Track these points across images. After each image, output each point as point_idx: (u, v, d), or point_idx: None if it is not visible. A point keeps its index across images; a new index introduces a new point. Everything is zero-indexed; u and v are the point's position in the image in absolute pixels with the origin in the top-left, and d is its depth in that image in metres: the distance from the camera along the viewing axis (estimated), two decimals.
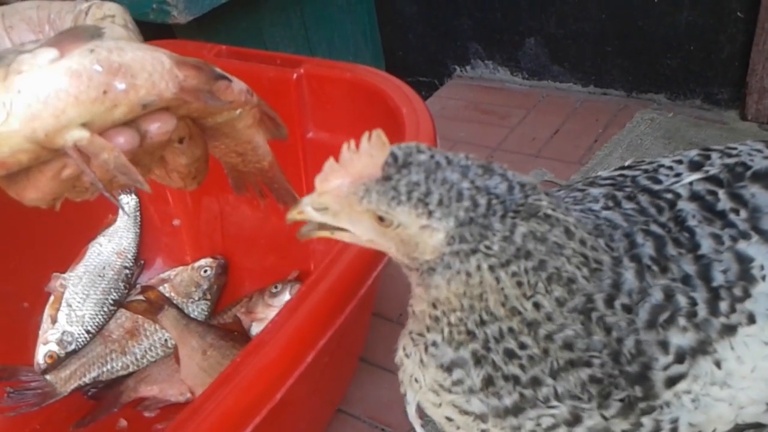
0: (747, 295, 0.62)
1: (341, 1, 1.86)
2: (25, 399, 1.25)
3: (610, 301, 0.61)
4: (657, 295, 0.61)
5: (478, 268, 0.57)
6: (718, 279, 0.62)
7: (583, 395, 0.60)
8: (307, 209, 0.60)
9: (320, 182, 0.59)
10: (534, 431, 0.62)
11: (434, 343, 0.63)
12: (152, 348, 1.33)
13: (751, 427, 0.65)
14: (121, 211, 1.42)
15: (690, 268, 0.62)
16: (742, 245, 0.63)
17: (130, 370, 1.31)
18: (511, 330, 0.59)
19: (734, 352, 0.62)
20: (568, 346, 0.60)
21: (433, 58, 2.22)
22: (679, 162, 0.71)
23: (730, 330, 0.62)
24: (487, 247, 0.57)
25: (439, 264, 0.58)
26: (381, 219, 0.58)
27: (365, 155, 0.57)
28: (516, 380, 0.61)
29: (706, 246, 0.63)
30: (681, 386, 0.61)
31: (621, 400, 0.61)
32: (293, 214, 0.61)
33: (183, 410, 0.69)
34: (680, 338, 0.61)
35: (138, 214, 1.44)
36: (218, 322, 1.33)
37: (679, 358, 0.61)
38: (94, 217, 1.41)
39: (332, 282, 0.79)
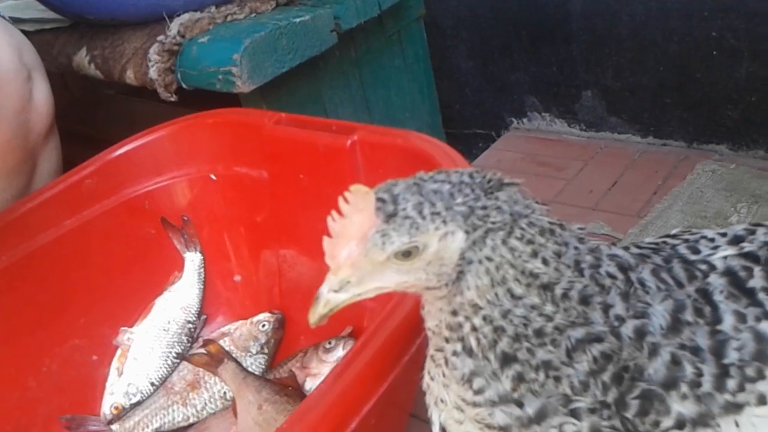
0: (761, 376, 0.61)
1: (398, 61, 1.92)
2: None
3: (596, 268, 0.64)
4: (665, 357, 0.62)
5: (494, 248, 0.60)
6: (731, 356, 0.62)
7: (597, 382, 0.61)
8: (330, 296, 0.62)
9: (330, 260, 0.61)
10: None
11: (454, 353, 0.65)
12: (212, 400, 1.37)
13: None
14: (186, 268, 1.49)
15: (704, 341, 0.62)
16: (764, 326, 0.63)
17: (191, 421, 1.36)
18: (534, 306, 0.61)
19: (739, 430, 0.61)
20: (584, 300, 0.62)
21: (489, 111, 2.25)
22: (723, 235, 0.71)
23: (735, 408, 0.61)
24: (493, 223, 0.61)
25: (463, 264, 0.61)
26: (407, 255, 0.60)
27: (355, 213, 0.59)
28: (547, 366, 0.62)
29: (728, 323, 0.63)
30: None
31: (637, 398, 0.61)
32: (316, 315, 0.63)
33: None
34: (679, 405, 0.61)
35: (202, 270, 1.50)
36: (274, 376, 1.37)
37: (679, 425, 0.61)
38: (161, 274, 1.49)
39: (379, 346, 0.82)
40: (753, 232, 0.71)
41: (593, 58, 1.92)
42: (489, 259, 0.60)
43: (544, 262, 0.61)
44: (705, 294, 0.65)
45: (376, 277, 0.61)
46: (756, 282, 0.65)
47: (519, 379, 0.62)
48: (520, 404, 0.63)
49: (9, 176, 1.40)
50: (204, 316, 1.50)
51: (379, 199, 0.60)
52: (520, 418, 0.63)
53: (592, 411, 0.62)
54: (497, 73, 2.15)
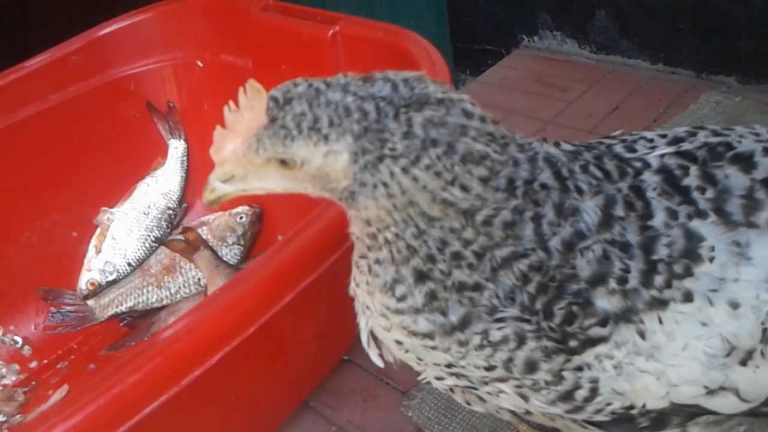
0: (688, 273, 0.61)
1: None
2: (66, 320, 1.36)
3: (531, 185, 0.61)
4: (597, 252, 0.61)
5: (392, 174, 0.57)
6: (660, 253, 0.61)
7: (523, 295, 0.61)
8: (216, 185, 0.62)
9: (215, 153, 0.60)
10: (482, 345, 0.62)
11: (377, 261, 0.63)
12: (186, 285, 1.40)
13: (692, 408, 0.64)
14: (169, 155, 1.49)
15: (633, 237, 0.61)
16: (695, 223, 0.61)
17: (164, 303, 1.40)
18: (452, 230, 0.59)
19: (663, 327, 0.61)
20: (506, 226, 0.60)
21: (501, 26, 2.18)
22: (663, 136, 0.70)
23: (660, 304, 0.61)
24: (392, 150, 0.57)
25: (355, 185, 0.58)
26: (284, 163, 0.58)
27: (246, 109, 0.57)
28: (461, 287, 0.61)
29: (659, 219, 0.62)
30: (602, 349, 0.61)
31: (562, 309, 0.61)
32: (207, 197, 0.63)
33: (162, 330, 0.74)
34: (605, 301, 0.61)
35: (185, 158, 1.51)
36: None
37: (602, 322, 0.61)
38: (144, 158, 1.49)
39: (316, 232, 0.82)
40: (694, 134, 0.69)
41: None
42: (385, 185, 0.57)
43: (464, 189, 0.58)
44: (637, 190, 0.63)
45: (260, 178, 0.61)
46: (691, 181, 0.63)
47: (431, 296, 0.62)
48: (443, 312, 0.62)
49: None
50: (185, 205, 1.51)
51: (273, 99, 0.57)
52: (444, 326, 0.62)
53: (518, 319, 0.61)
54: None
